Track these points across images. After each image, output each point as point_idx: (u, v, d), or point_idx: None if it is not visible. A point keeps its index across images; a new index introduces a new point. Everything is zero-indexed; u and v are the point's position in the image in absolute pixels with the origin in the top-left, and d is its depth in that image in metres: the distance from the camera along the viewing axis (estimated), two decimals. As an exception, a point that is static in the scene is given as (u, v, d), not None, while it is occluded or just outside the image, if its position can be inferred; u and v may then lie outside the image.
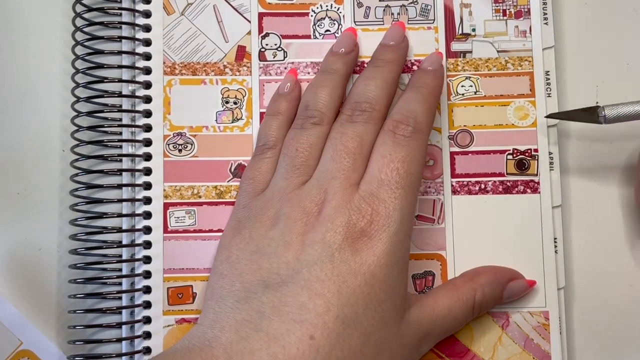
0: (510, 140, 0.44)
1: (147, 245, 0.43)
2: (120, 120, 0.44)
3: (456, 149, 0.44)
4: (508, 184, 0.43)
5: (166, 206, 0.43)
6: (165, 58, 0.44)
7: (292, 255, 0.38)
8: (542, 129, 0.44)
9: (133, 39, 0.44)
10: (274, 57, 0.45)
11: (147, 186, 0.43)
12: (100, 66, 0.43)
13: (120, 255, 0.43)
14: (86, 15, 0.43)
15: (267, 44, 0.45)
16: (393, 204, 0.38)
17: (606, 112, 0.41)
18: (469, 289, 0.41)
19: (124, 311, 0.43)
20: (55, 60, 0.45)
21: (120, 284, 0.43)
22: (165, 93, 0.44)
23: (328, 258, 0.37)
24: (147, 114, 0.44)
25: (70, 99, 0.43)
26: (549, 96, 0.44)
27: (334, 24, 0.45)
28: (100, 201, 0.43)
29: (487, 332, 0.43)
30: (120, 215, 0.43)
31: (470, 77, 0.44)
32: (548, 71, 0.44)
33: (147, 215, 0.43)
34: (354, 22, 0.45)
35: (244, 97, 0.44)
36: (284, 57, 0.45)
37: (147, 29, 0.44)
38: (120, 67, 0.44)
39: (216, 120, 0.44)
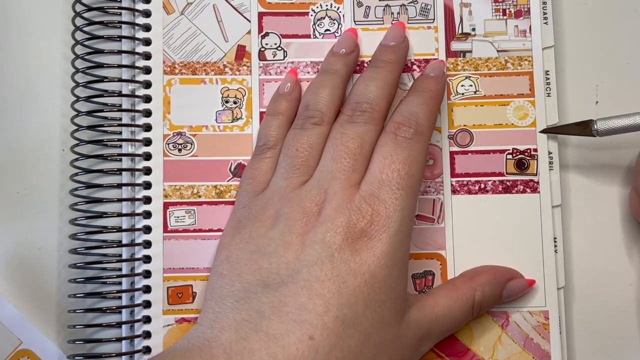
0: (509, 139, 0.44)
1: (147, 244, 0.43)
2: (120, 119, 0.44)
3: (456, 149, 0.44)
4: (508, 183, 0.43)
5: (166, 206, 0.43)
6: (165, 57, 0.44)
7: (292, 255, 0.38)
8: (542, 128, 0.44)
9: (133, 38, 0.44)
10: (273, 57, 0.45)
11: (147, 185, 0.43)
12: (100, 65, 0.43)
13: (120, 255, 0.43)
14: (86, 15, 0.43)
15: (267, 44, 0.45)
16: (393, 204, 0.38)
17: (598, 125, 0.42)
18: (469, 289, 0.41)
19: (123, 310, 0.43)
20: (55, 59, 0.45)
21: (120, 283, 0.43)
22: (165, 92, 0.44)
23: (328, 258, 0.37)
24: (147, 113, 0.44)
25: (70, 99, 0.43)
26: (548, 96, 0.44)
27: (334, 23, 0.45)
28: (100, 200, 0.43)
29: (486, 331, 0.43)
30: (120, 214, 0.43)
31: (470, 77, 0.44)
32: (548, 71, 0.44)
33: (147, 214, 0.43)
34: (354, 21, 0.45)
35: (243, 96, 0.44)
36: (284, 57, 0.45)
37: (147, 28, 0.44)
38: (120, 66, 0.44)
39: (216, 120, 0.44)
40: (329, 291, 0.37)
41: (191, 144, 0.44)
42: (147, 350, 0.42)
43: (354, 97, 0.41)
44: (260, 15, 0.45)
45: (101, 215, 0.43)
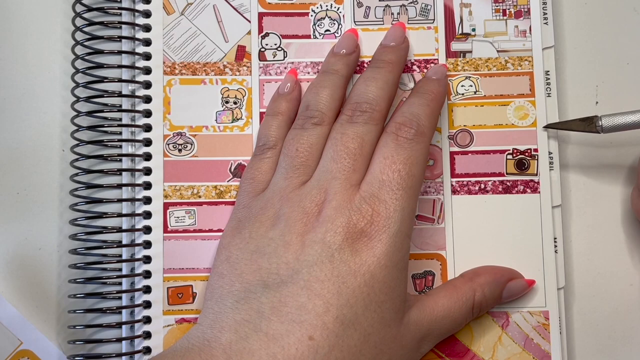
0: (510, 140, 0.44)
1: (147, 245, 0.43)
2: (120, 120, 0.44)
3: (456, 149, 0.44)
4: (508, 183, 0.43)
5: (166, 206, 0.43)
6: (165, 58, 0.44)
7: (291, 256, 0.38)
8: (542, 128, 0.44)
9: (133, 38, 0.44)
10: (273, 57, 0.45)
11: (147, 186, 0.43)
12: (100, 66, 0.44)
13: (120, 255, 0.43)
14: (86, 15, 0.43)
15: (267, 44, 0.45)
16: (394, 205, 0.38)
17: (603, 122, 0.41)
18: (469, 290, 0.41)
19: (124, 311, 0.43)
20: (55, 60, 0.45)
21: (120, 283, 0.43)
22: (165, 93, 0.44)
23: (328, 258, 0.37)
24: (147, 113, 0.44)
25: (70, 99, 0.43)
26: (548, 96, 0.44)
27: (334, 23, 0.45)
28: (100, 201, 0.44)
29: (487, 331, 0.43)
30: (120, 215, 0.43)
31: (470, 77, 0.44)
32: (548, 71, 0.44)
33: (147, 215, 0.43)
34: (354, 22, 0.45)
35: (243, 97, 0.44)
36: (284, 57, 0.45)
37: (147, 28, 0.44)
38: (120, 66, 0.44)
39: (216, 120, 0.44)
40: (329, 291, 0.37)
41: (191, 145, 0.44)
42: (147, 350, 0.42)
43: (354, 98, 0.41)
44: (260, 16, 0.45)
45: (101, 215, 0.43)
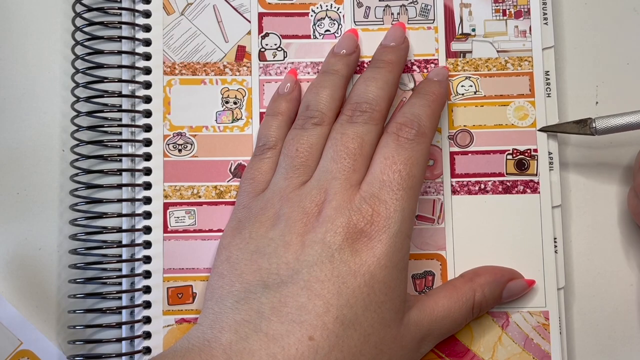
0: (510, 140, 0.44)
1: (147, 245, 0.43)
2: (120, 120, 0.44)
3: (456, 149, 0.44)
4: (508, 184, 0.43)
5: (166, 206, 0.43)
6: (165, 58, 0.44)
7: (291, 256, 0.38)
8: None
9: (133, 38, 0.44)
10: (273, 57, 0.45)
11: (147, 186, 0.43)
12: (100, 66, 0.43)
13: (120, 255, 0.43)
14: (86, 15, 0.43)
15: (267, 44, 0.45)
16: (394, 205, 0.38)
17: (597, 124, 0.42)
18: (469, 290, 0.41)
19: (123, 311, 0.43)
20: (55, 60, 0.45)
21: (120, 284, 0.43)
22: (165, 93, 0.44)
23: (328, 259, 0.37)
24: (147, 113, 0.44)
25: (70, 99, 0.43)
26: (548, 96, 0.44)
27: (334, 23, 0.45)
28: (100, 201, 0.44)
29: (487, 332, 0.43)
30: (120, 215, 0.43)
31: (470, 77, 0.44)
32: (548, 71, 0.44)
33: (147, 215, 0.43)
34: (354, 22, 0.45)
35: (243, 97, 0.44)
36: (284, 57, 0.45)
37: (147, 29, 0.44)
38: (120, 67, 0.44)
39: (216, 120, 0.44)
40: (329, 292, 0.37)
41: (191, 145, 0.44)
42: (147, 350, 0.42)
43: (354, 98, 0.41)
44: (260, 16, 0.45)
45: (101, 215, 0.43)
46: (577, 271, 0.44)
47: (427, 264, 0.43)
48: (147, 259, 0.43)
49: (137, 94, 0.44)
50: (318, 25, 0.45)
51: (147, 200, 0.43)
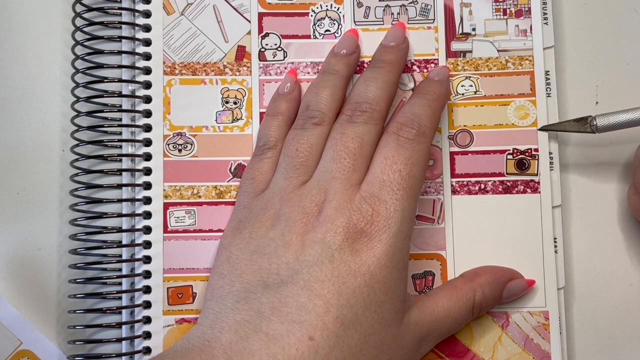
0: (510, 140, 0.44)
1: (147, 245, 0.43)
2: (120, 120, 0.44)
3: (456, 149, 0.44)
4: (508, 183, 0.43)
5: (166, 206, 0.43)
6: (165, 58, 0.44)
7: (292, 256, 0.38)
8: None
9: (133, 38, 0.44)
10: (273, 57, 0.45)
11: (147, 186, 0.43)
12: (100, 66, 0.43)
13: (120, 255, 0.43)
14: (86, 15, 0.43)
15: (267, 44, 0.45)
16: (394, 205, 0.38)
17: (597, 121, 0.41)
18: (469, 290, 0.41)
19: (124, 311, 0.43)
20: (55, 60, 0.45)
21: (120, 284, 0.43)
22: (165, 93, 0.44)
23: (328, 258, 0.37)
24: (147, 113, 0.44)
25: (70, 99, 0.43)
26: (549, 96, 0.44)
27: (334, 23, 0.45)
28: (100, 201, 0.44)
29: (487, 332, 0.43)
30: (120, 215, 0.43)
31: (470, 77, 0.44)
32: (548, 71, 0.44)
33: (147, 215, 0.43)
34: (354, 22, 0.45)
35: (243, 97, 0.44)
36: (284, 57, 0.45)
37: (147, 29, 0.44)
38: (120, 67, 0.44)
39: (216, 120, 0.44)
40: (329, 292, 0.37)
41: (191, 145, 0.44)
42: (147, 350, 0.42)
43: (354, 97, 0.41)
44: (260, 16, 0.45)
45: (101, 215, 0.43)
46: (577, 271, 0.44)
47: (427, 264, 0.43)
48: (147, 259, 0.43)
49: (137, 94, 0.44)
50: (318, 25, 0.45)
51: (147, 200, 0.43)
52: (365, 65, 0.44)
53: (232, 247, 0.40)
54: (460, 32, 0.45)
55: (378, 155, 0.40)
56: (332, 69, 0.43)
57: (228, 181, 0.43)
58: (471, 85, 0.44)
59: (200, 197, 0.43)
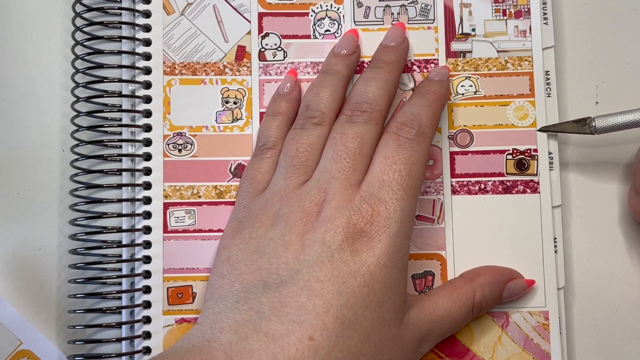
0: (510, 140, 0.44)
1: (147, 245, 0.43)
2: (120, 120, 0.44)
3: (456, 149, 0.44)
4: (508, 183, 0.43)
5: (166, 206, 0.43)
6: (165, 58, 0.44)
7: (291, 256, 0.38)
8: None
9: (133, 38, 0.44)
10: (273, 57, 0.45)
11: (147, 186, 0.43)
12: (100, 66, 0.44)
13: (120, 255, 0.43)
14: (86, 15, 0.44)
15: (267, 44, 0.45)
16: (394, 205, 0.38)
17: (596, 123, 0.42)
18: (469, 290, 0.41)
19: (123, 311, 0.43)
20: (55, 60, 0.45)
21: (120, 283, 0.43)
22: (165, 93, 0.44)
23: (328, 258, 0.37)
24: (147, 113, 0.44)
25: (70, 99, 0.43)
26: (548, 96, 0.44)
27: (334, 23, 0.45)
28: (100, 201, 0.44)
29: (487, 332, 0.43)
30: (120, 215, 0.43)
31: (470, 77, 0.44)
32: (548, 71, 0.44)
33: (147, 215, 0.43)
34: (354, 22, 0.45)
35: (243, 97, 0.44)
36: (284, 57, 0.45)
37: (147, 29, 0.44)
38: (120, 67, 0.44)
39: (216, 120, 0.44)
40: (329, 292, 0.37)
41: (191, 145, 0.44)
42: (147, 350, 0.42)
43: (354, 97, 0.41)
44: (260, 16, 0.45)
45: (101, 215, 0.43)
46: (577, 271, 0.44)
47: (427, 264, 0.43)
48: (147, 259, 0.43)
49: (137, 94, 0.44)
50: (318, 25, 0.45)
51: (147, 200, 0.43)
52: (365, 65, 0.44)
53: (231, 247, 0.40)
54: (460, 32, 0.45)
55: (378, 155, 0.40)
56: (332, 69, 0.43)
57: (228, 181, 0.43)
58: (471, 86, 0.44)
59: (200, 197, 0.43)
